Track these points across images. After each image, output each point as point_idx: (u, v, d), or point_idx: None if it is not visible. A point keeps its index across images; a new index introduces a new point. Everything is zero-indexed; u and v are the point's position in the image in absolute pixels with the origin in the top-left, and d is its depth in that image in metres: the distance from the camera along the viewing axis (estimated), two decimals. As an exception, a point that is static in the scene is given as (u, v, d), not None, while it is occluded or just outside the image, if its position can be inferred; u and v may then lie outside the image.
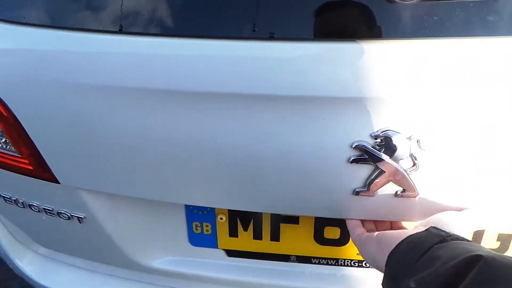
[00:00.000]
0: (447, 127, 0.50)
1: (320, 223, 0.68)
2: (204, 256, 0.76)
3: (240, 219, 0.70)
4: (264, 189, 0.56)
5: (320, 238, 0.70)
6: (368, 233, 0.56)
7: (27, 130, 0.62)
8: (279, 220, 0.69)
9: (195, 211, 0.71)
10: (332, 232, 0.69)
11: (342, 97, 0.49)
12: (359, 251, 0.57)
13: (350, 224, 0.59)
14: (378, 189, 0.53)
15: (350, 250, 0.70)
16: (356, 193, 0.54)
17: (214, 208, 0.70)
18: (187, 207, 0.71)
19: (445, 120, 0.49)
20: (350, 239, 0.69)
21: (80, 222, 0.71)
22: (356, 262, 0.71)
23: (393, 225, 0.60)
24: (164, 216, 0.72)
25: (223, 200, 0.60)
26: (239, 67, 0.49)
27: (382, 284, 0.48)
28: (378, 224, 0.60)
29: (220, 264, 0.75)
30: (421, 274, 0.40)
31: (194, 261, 0.76)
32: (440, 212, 0.54)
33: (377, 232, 0.54)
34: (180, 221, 0.72)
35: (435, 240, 0.43)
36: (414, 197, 0.54)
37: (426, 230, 0.47)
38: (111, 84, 0.53)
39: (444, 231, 0.45)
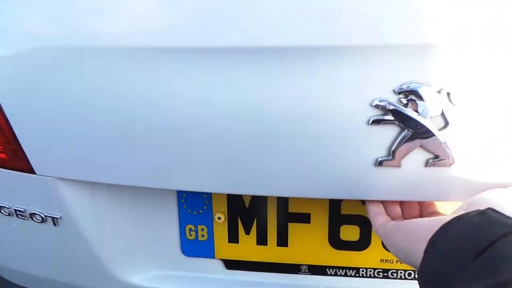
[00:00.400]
0: (488, 80, 0.43)
1: (335, 221, 0.58)
2: (198, 270, 0.64)
3: (242, 219, 0.60)
4: (267, 163, 0.48)
5: (336, 241, 0.59)
6: (394, 222, 0.46)
7: (4, 111, 0.55)
8: (287, 219, 0.59)
9: (189, 210, 0.61)
10: (350, 232, 0.58)
11: (357, 45, 0.43)
12: (384, 243, 0.47)
13: (371, 212, 0.49)
14: (404, 156, 0.45)
15: (373, 256, 0.59)
16: (379, 163, 0.46)
17: (211, 205, 0.60)
18: (180, 205, 0.61)
19: (485, 71, 0.43)
20: (371, 241, 0.58)
21: (55, 225, 0.61)
22: (380, 271, 0.59)
23: (424, 210, 0.50)
24: (152, 217, 0.62)
25: (220, 181, 0.50)
26: (237, 17, 0.44)
27: (420, 284, 0.38)
28: (404, 208, 0.50)
29: (217, 280, 0.63)
30: (486, 281, 0.28)
31: (186, 276, 0.64)
32: (483, 187, 0.45)
33: (407, 220, 0.45)
34: (171, 224, 0.62)
35: (500, 230, 0.31)
36: (449, 165, 0.45)
37: (481, 212, 0.35)
38: (93, 45, 0.48)
39: (510, 218, 0.33)
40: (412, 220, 0.43)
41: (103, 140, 0.52)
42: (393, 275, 0.59)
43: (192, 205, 0.61)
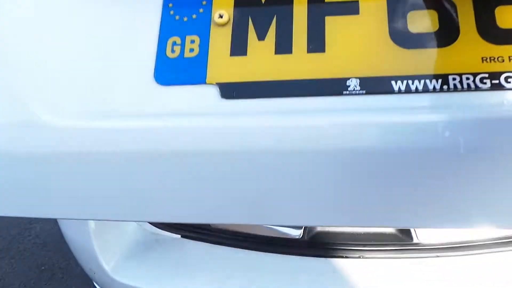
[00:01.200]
0: None
1: (398, 5, 0.38)
2: (177, 104, 0.39)
3: (254, 19, 0.40)
4: None
5: (402, 34, 0.37)
6: None
7: None
8: (324, 11, 0.39)
9: (177, 17, 0.42)
10: (423, 21, 0.37)
11: None
12: None
13: None
14: None
15: (468, 54, 0.35)
16: None
17: (211, 5, 0.41)
18: (165, 10, 0.42)
19: None
20: (460, 30, 0.36)
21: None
22: (486, 77, 0.35)
23: None
24: (118, 23, 0.42)
25: None
26: None
27: None
28: None
29: (209, 115, 0.37)
30: None
31: (157, 114, 0.38)
32: None
33: None
34: (146, 35, 0.41)
35: None
36: None
37: None
38: None
39: None
40: None
41: None
42: (508, 81, 0.34)
43: (183, 9, 0.42)
